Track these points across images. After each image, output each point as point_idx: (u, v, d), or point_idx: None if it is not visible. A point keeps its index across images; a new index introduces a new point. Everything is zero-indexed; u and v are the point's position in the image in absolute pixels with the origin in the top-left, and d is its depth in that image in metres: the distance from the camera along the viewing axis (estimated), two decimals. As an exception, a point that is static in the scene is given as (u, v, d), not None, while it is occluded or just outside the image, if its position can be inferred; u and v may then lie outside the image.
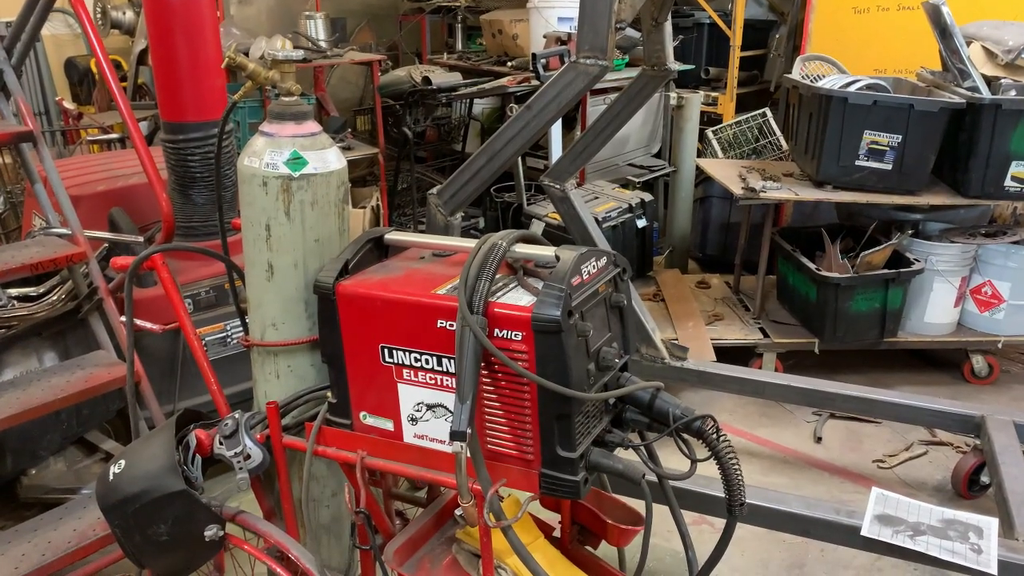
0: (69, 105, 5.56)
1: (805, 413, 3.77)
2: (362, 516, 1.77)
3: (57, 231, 2.72)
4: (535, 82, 4.62)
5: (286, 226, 1.79)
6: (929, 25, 3.63)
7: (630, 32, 4.62)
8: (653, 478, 1.71)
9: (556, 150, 4.71)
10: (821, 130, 3.66)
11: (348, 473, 1.79)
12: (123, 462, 1.78)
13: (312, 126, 1.82)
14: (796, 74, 4.14)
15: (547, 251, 1.65)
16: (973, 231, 3.91)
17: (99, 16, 5.85)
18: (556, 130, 4.73)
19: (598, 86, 3.72)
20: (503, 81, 5.01)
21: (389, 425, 1.72)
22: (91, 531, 2.29)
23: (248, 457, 1.81)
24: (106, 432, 3.15)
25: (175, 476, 1.72)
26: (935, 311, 3.91)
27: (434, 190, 2.48)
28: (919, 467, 3.38)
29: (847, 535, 2.38)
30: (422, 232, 2.48)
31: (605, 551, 1.98)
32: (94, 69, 6.16)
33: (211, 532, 1.77)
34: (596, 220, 3.59)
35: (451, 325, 1.55)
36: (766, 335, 3.93)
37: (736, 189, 3.79)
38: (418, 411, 1.67)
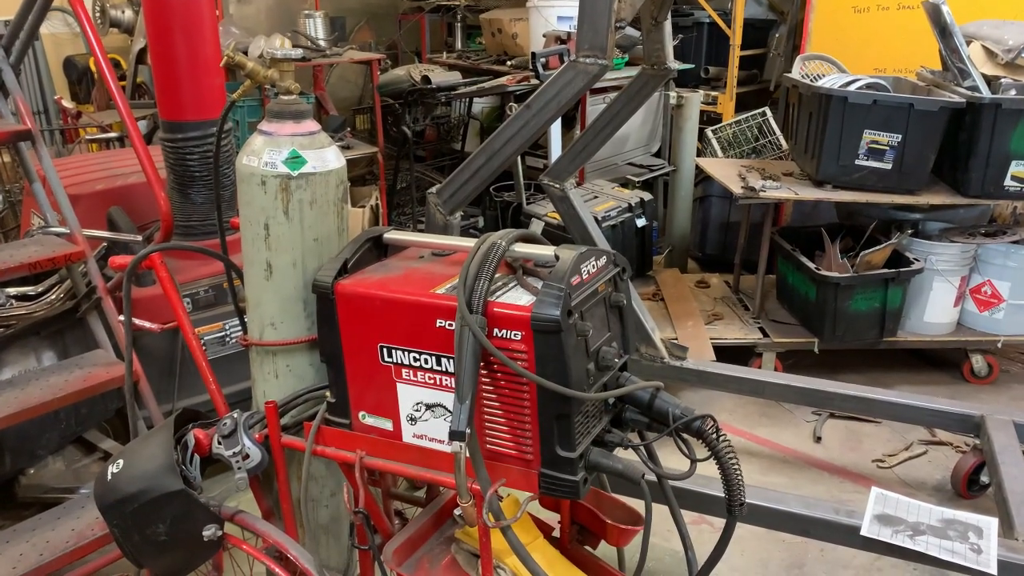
0: (68, 104, 5.55)
1: (804, 413, 3.77)
2: (361, 516, 1.77)
3: (55, 230, 2.72)
4: (534, 81, 4.62)
5: (285, 225, 1.78)
6: (929, 24, 3.63)
7: (630, 31, 4.62)
8: (653, 478, 1.71)
9: (555, 149, 4.70)
10: (821, 129, 3.66)
11: (347, 473, 1.79)
12: (121, 462, 1.77)
13: (311, 125, 1.82)
14: (796, 73, 4.14)
15: (546, 250, 1.65)
16: (973, 231, 3.91)
17: (98, 15, 5.85)
18: (555, 129, 4.72)
19: (598, 85, 3.72)
20: (502, 80, 5.00)
21: (388, 425, 1.71)
22: (89, 531, 2.29)
23: (247, 457, 1.81)
24: (104, 431, 3.15)
25: (173, 476, 1.72)
26: (935, 311, 3.91)
27: (433, 189, 2.48)
28: (919, 467, 3.38)
29: (847, 535, 2.37)
30: (421, 231, 2.48)
31: (604, 551, 1.98)
32: (93, 68, 6.15)
33: (209, 532, 1.77)
34: (595, 219, 3.58)
35: (450, 325, 1.55)
36: (765, 335, 3.93)
37: (736, 188, 3.79)
38: (417, 411, 1.67)
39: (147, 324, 2.82)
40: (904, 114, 3.53)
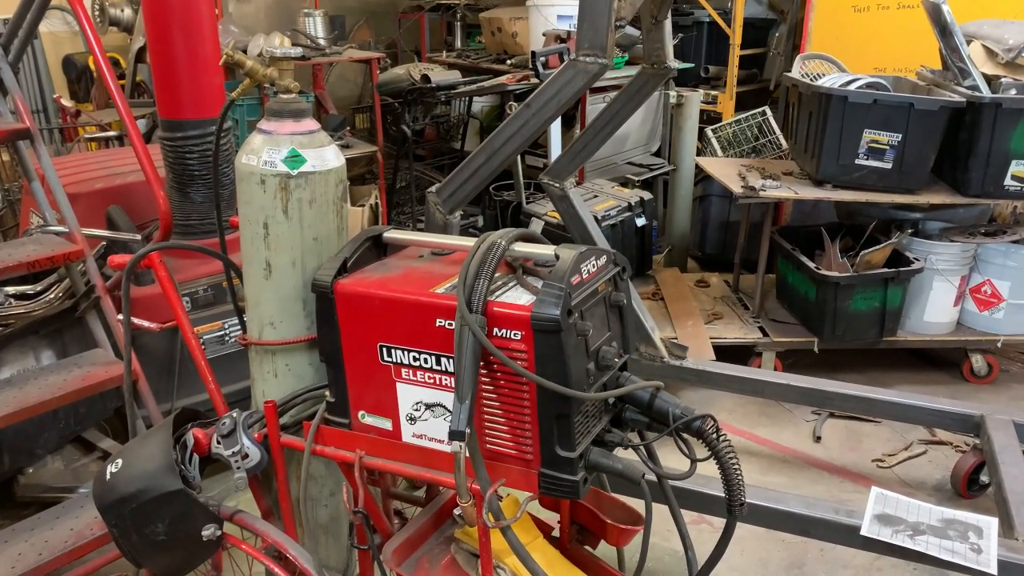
0: (67, 103, 5.53)
1: (804, 412, 3.77)
2: (360, 516, 1.77)
3: (54, 229, 2.71)
4: (534, 80, 4.61)
5: (284, 224, 1.78)
6: (929, 24, 3.62)
7: (630, 30, 4.62)
8: (653, 478, 1.71)
9: (555, 148, 4.70)
10: (821, 129, 3.66)
11: (346, 472, 1.78)
12: (120, 461, 1.77)
13: (310, 124, 1.81)
14: (796, 72, 4.14)
15: (546, 250, 1.65)
16: (973, 230, 3.91)
17: (97, 13, 5.84)
18: (555, 128, 4.72)
19: (597, 84, 3.71)
20: (502, 79, 5.00)
21: (388, 424, 1.71)
22: (88, 530, 2.28)
23: (246, 456, 1.80)
24: (103, 431, 3.15)
25: (172, 475, 1.72)
26: (934, 310, 3.91)
27: (433, 188, 2.47)
28: (918, 466, 3.38)
29: (847, 535, 2.37)
30: (421, 230, 2.48)
31: (604, 551, 1.98)
32: (92, 66, 6.14)
33: (209, 531, 1.77)
34: (595, 219, 3.58)
35: (450, 324, 1.54)
36: (765, 334, 3.92)
37: (736, 188, 3.78)
38: (417, 410, 1.66)
39: (146, 323, 2.82)
40: (904, 113, 3.52)
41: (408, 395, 1.66)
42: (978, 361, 3.96)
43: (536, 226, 4.20)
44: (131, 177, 3.25)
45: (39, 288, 2.87)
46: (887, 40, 4.55)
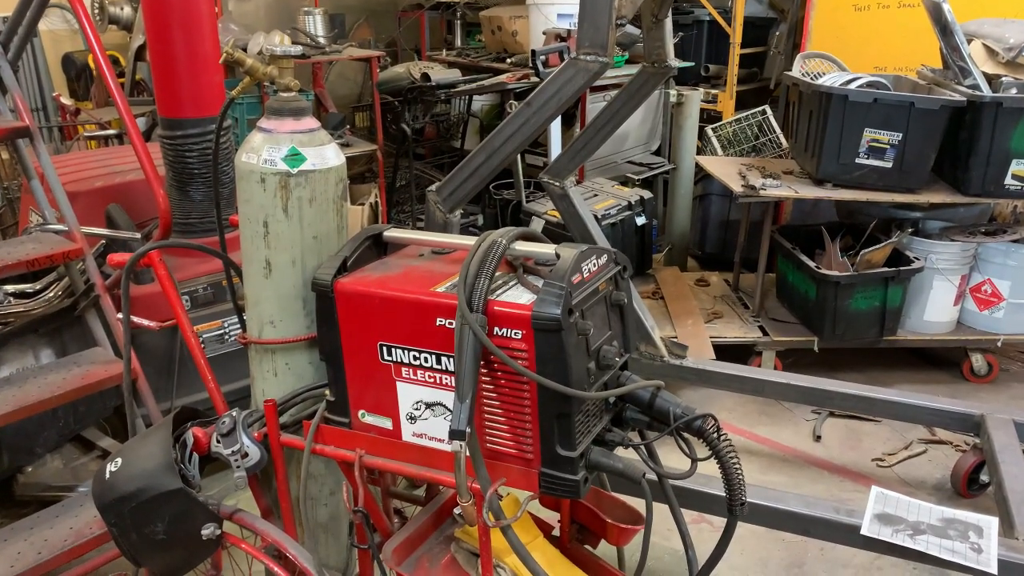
0: (66, 101, 5.52)
1: (804, 411, 3.77)
2: (360, 515, 1.76)
3: (54, 227, 2.71)
4: (534, 79, 4.61)
5: (284, 223, 1.77)
6: (930, 22, 3.62)
7: (630, 28, 4.61)
8: (653, 477, 1.70)
9: (555, 147, 4.70)
10: (821, 128, 3.66)
11: (346, 471, 1.78)
12: (120, 460, 1.77)
13: (310, 122, 1.81)
14: (796, 71, 4.13)
15: (547, 249, 1.64)
16: (973, 229, 3.91)
17: (96, 12, 5.82)
18: (555, 127, 4.71)
19: (598, 83, 3.71)
20: (502, 78, 4.99)
21: (388, 424, 1.71)
22: (88, 529, 2.28)
23: (246, 455, 1.80)
24: (103, 429, 3.14)
25: (172, 474, 1.71)
26: (935, 309, 3.90)
27: (433, 187, 2.47)
28: (918, 466, 3.38)
29: (847, 534, 2.37)
30: (421, 229, 2.47)
31: (604, 550, 1.98)
32: (92, 65, 6.13)
33: (208, 531, 1.76)
34: (595, 217, 3.58)
35: (450, 323, 1.54)
36: (765, 333, 3.92)
37: (736, 187, 3.78)
38: (417, 410, 1.66)
39: (146, 322, 2.81)
40: (905, 113, 3.52)
41: (408, 394, 1.66)
42: (978, 360, 3.96)
43: (536, 225, 4.19)
44: (131, 175, 3.25)
45: (38, 287, 2.86)
46: (887, 39, 4.55)
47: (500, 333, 1.50)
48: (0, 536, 2.26)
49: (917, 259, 3.74)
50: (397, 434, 1.70)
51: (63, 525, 2.30)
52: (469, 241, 1.70)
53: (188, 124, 2.96)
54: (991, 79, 3.58)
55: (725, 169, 4.09)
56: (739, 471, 1.64)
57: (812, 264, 3.75)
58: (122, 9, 5.85)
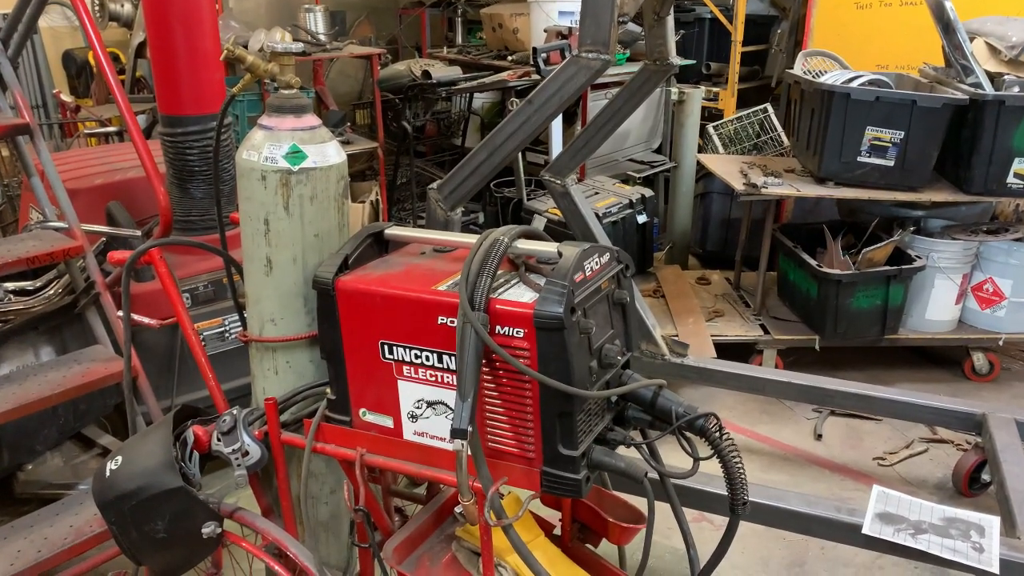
0: (66, 98, 5.52)
1: (805, 410, 3.76)
2: (361, 513, 1.76)
3: (54, 225, 2.70)
4: (536, 76, 4.60)
5: (285, 221, 1.77)
6: (932, 20, 3.61)
7: (631, 26, 4.60)
8: (655, 476, 1.70)
9: (556, 145, 4.69)
10: (823, 126, 3.65)
11: (347, 470, 1.78)
12: (120, 458, 1.76)
13: (311, 120, 1.80)
14: (798, 70, 4.13)
15: (549, 247, 1.63)
16: (975, 228, 3.90)
17: (97, 9, 5.81)
18: (557, 125, 4.71)
19: (599, 81, 3.71)
20: (503, 75, 4.99)
21: (389, 422, 1.70)
22: (88, 527, 2.28)
23: (246, 454, 1.80)
24: (103, 427, 3.14)
25: (172, 473, 1.71)
26: (936, 308, 3.90)
27: (434, 185, 2.46)
28: (920, 465, 3.37)
29: (848, 533, 2.37)
30: (422, 227, 2.47)
31: (606, 549, 1.97)
32: (92, 62, 6.13)
33: (209, 529, 1.76)
34: (596, 216, 3.57)
35: (452, 322, 1.53)
36: (766, 332, 3.92)
37: (737, 185, 3.77)
38: (418, 408, 1.65)
39: (146, 320, 2.81)
40: (907, 111, 3.51)
41: (409, 393, 1.65)
42: (980, 359, 3.96)
43: (538, 223, 4.19)
44: (131, 173, 3.24)
45: (39, 284, 2.86)
46: (889, 37, 4.54)
47: (502, 332, 1.50)
48: (0, 534, 2.26)
49: (919, 258, 3.74)
50: (398, 433, 1.70)
51: (63, 523, 2.30)
52: (471, 239, 1.70)
53: (189, 121, 2.96)
54: (993, 77, 3.58)
55: (726, 167, 4.08)
56: (742, 470, 1.63)
57: (813, 262, 3.75)
58: (122, 6, 5.84)
